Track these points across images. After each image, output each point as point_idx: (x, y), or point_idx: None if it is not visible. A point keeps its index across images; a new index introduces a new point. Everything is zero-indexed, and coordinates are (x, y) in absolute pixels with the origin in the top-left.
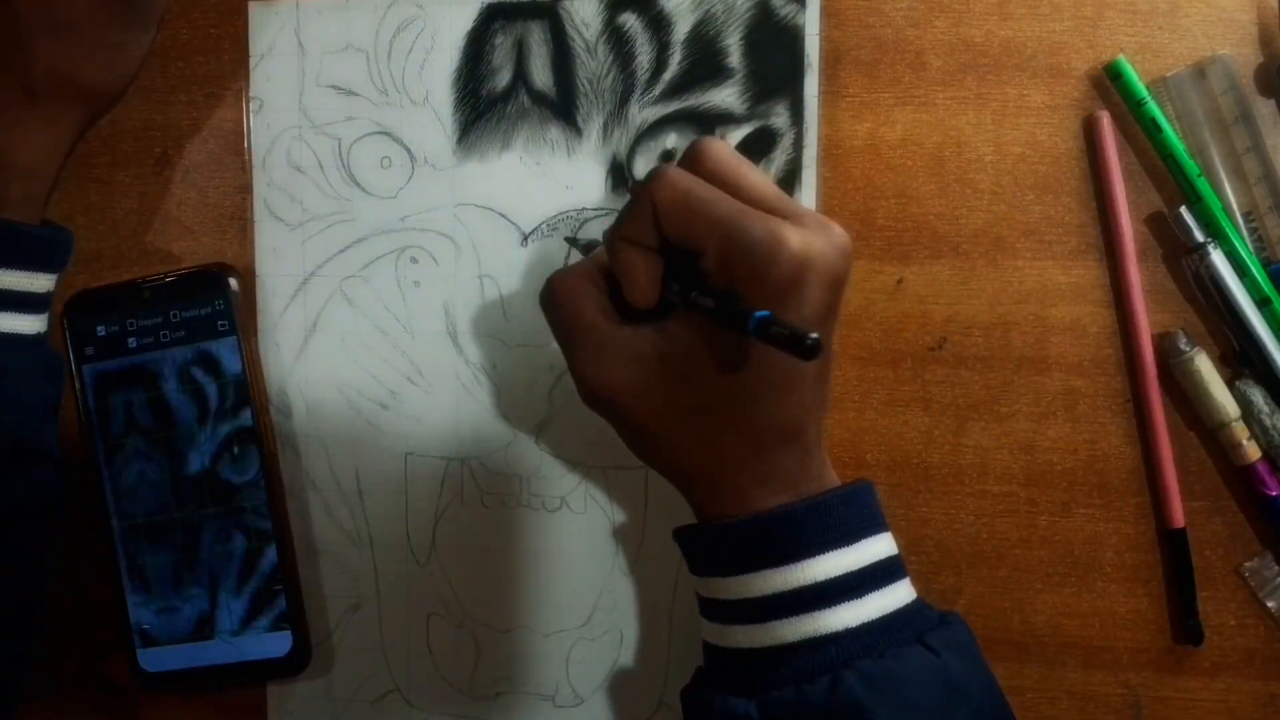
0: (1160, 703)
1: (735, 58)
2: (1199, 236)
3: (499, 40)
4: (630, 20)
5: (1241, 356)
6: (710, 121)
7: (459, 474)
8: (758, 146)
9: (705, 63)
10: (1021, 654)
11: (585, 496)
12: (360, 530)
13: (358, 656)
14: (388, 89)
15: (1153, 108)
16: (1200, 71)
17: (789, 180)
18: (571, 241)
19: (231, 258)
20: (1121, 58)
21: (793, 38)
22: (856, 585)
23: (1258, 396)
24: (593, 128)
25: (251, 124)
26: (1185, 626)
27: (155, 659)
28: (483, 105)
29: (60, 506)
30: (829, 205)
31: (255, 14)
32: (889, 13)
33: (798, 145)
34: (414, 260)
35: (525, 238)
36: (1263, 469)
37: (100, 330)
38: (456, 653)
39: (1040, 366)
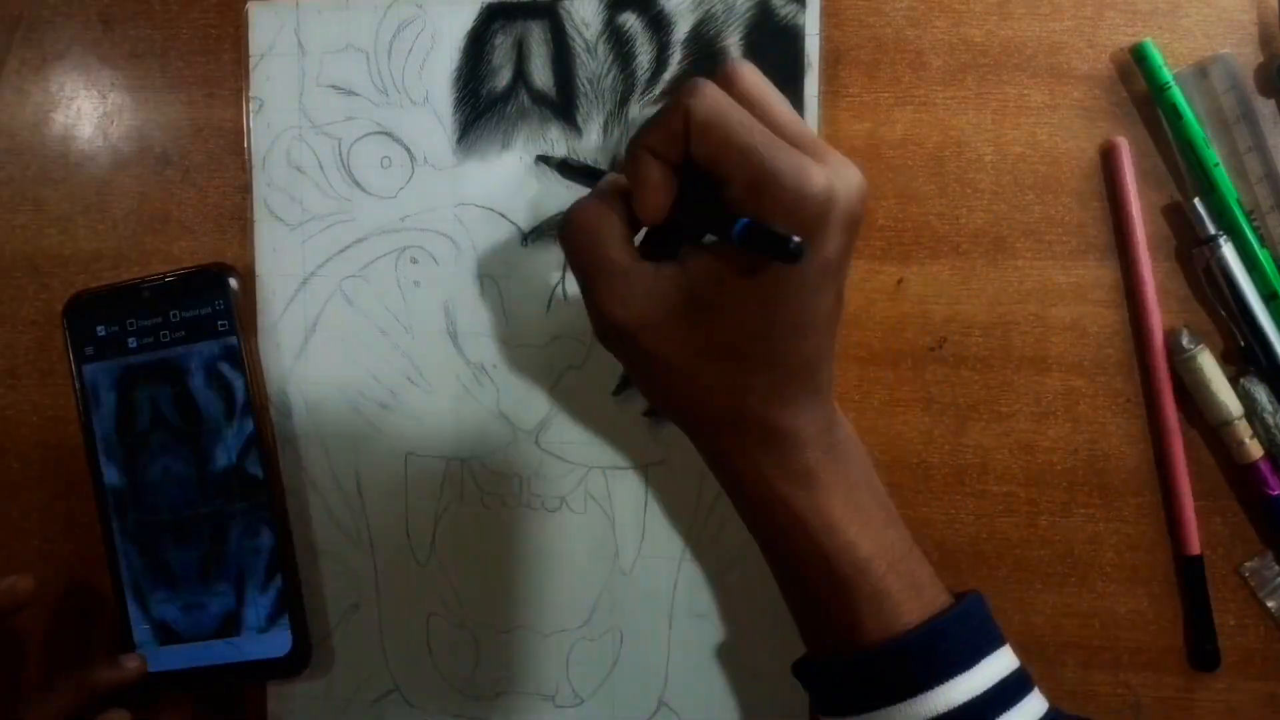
0: (1160, 703)
1: (736, 58)
2: (1211, 228)
3: (499, 40)
4: (630, 20)
5: (1247, 353)
6: None
7: (459, 474)
8: None
9: (705, 63)
10: (1021, 654)
11: (585, 496)
12: (360, 530)
13: (358, 656)
14: (388, 89)
15: (1176, 93)
16: (1202, 71)
17: None
18: (545, 160)
19: (231, 258)
20: (1149, 40)
21: (793, 38)
22: (984, 709)
23: (1261, 395)
24: (593, 127)
25: (251, 124)
26: (1203, 652)
27: (155, 659)
28: (483, 105)
29: None
30: None
31: (255, 14)
32: (889, 13)
33: None
34: (414, 260)
35: (525, 238)
36: (1265, 467)
37: (100, 330)
38: (456, 653)
39: (1040, 366)
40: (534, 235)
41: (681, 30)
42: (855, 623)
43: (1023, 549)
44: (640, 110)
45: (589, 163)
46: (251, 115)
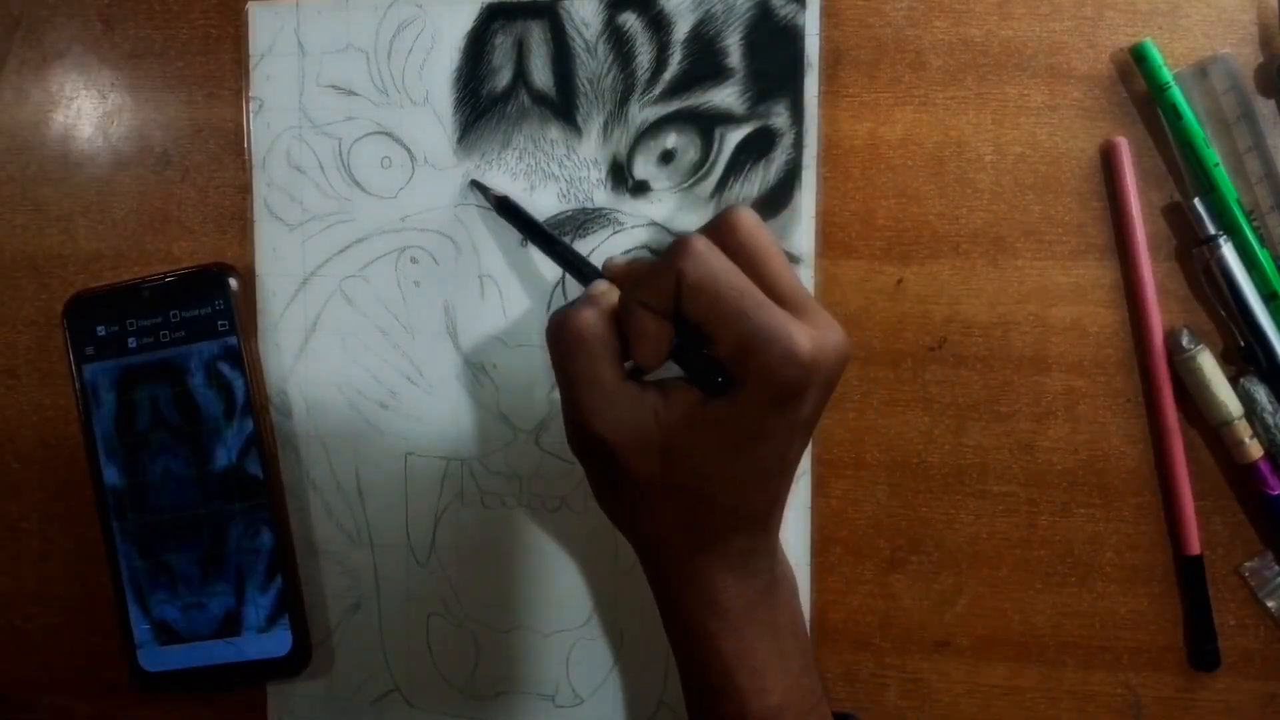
0: (1160, 703)
1: (735, 58)
2: (1211, 228)
3: (499, 40)
4: (630, 20)
5: (1246, 353)
6: (710, 121)
7: (459, 474)
8: (758, 146)
9: (705, 62)
10: (1021, 654)
11: (585, 496)
12: (360, 530)
13: (358, 656)
14: (388, 89)
15: (1176, 93)
16: (1202, 71)
17: (789, 180)
18: (479, 188)
19: (231, 258)
20: (1149, 40)
21: (793, 38)
22: None
23: (1261, 395)
24: (593, 127)
25: (251, 124)
26: (1203, 652)
27: (155, 659)
28: (483, 105)
29: None
30: (829, 205)
31: (255, 14)
32: (889, 13)
33: (798, 145)
34: (414, 260)
35: (525, 238)
36: (1264, 467)
37: (100, 330)
38: (456, 653)
39: (1040, 366)
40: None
41: (681, 30)
42: (706, 572)
43: (1023, 549)
44: (640, 110)
45: (522, 208)
46: (251, 115)
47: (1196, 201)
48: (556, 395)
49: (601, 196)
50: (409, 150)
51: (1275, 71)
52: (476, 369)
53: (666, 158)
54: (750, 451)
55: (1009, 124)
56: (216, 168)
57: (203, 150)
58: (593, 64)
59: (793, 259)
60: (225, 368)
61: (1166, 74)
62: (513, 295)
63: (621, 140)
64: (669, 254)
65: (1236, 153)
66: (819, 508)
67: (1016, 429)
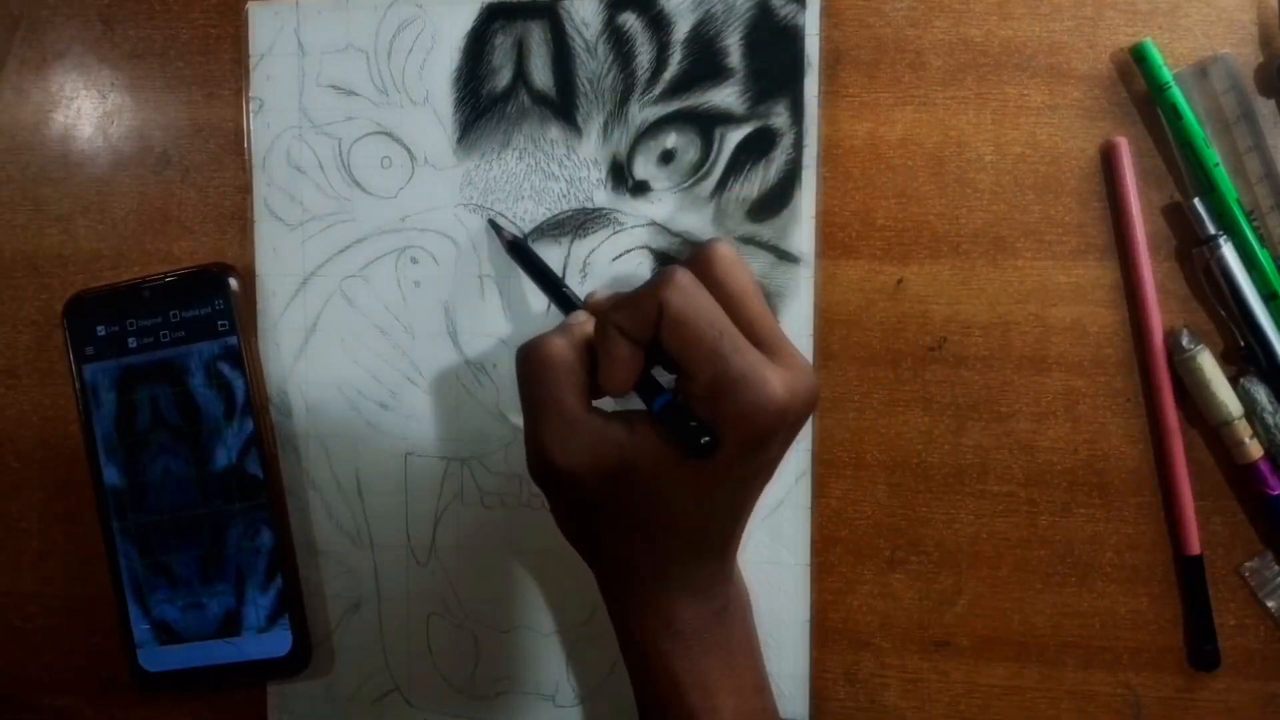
0: (1160, 703)
1: (735, 58)
2: (1211, 228)
3: (499, 40)
4: (630, 20)
5: (1246, 353)
6: (710, 121)
7: (459, 474)
8: (758, 146)
9: (705, 62)
10: (1021, 654)
11: None
12: (360, 530)
13: (358, 656)
14: (388, 89)
15: (1176, 93)
16: (1202, 70)
17: (789, 180)
18: (495, 228)
19: (231, 258)
20: (1149, 40)
21: (793, 38)
22: None
23: (1261, 395)
24: (593, 127)
25: (251, 124)
26: (1203, 652)
27: (155, 659)
28: (483, 105)
29: None
30: (829, 205)
31: (255, 14)
32: (889, 13)
33: (798, 145)
34: (414, 260)
35: (525, 238)
36: (1265, 467)
37: (100, 330)
38: (456, 653)
39: (1040, 366)
40: (534, 235)
41: (681, 30)
42: (665, 599)
43: (1023, 549)
44: (640, 110)
45: (541, 259)
46: (251, 115)
47: (1196, 201)
48: None
49: (601, 196)
50: (409, 150)
51: (1275, 71)
52: (476, 369)
53: (666, 158)
54: (711, 490)
55: (1009, 124)
56: (216, 168)
57: (203, 150)
58: (593, 64)
59: (792, 259)
60: (225, 368)
61: (1166, 74)
62: (513, 295)
63: (621, 140)
64: (653, 283)
65: (1236, 153)
66: (819, 508)
67: (1016, 429)
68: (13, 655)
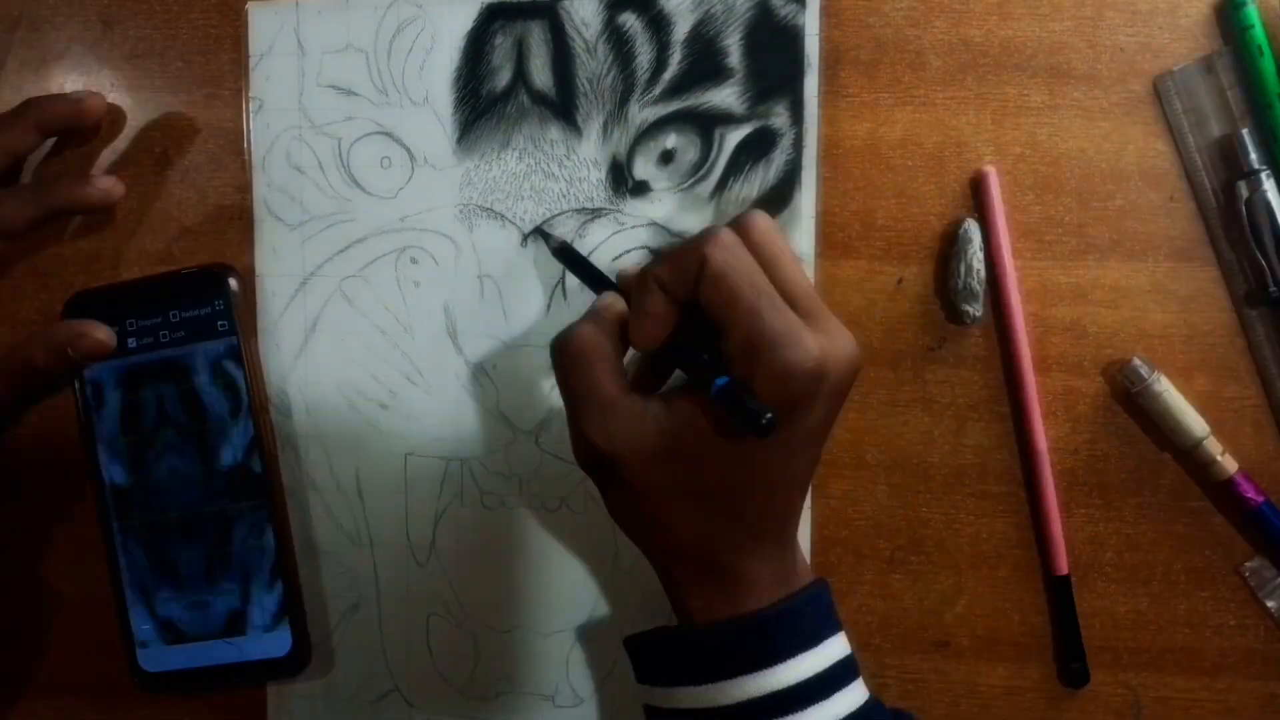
0: (1160, 703)
1: (735, 58)
2: (1255, 161)
3: (499, 40)
4: (630, 20)
5: (1274, 295)
6: (710, 121)
7: (459, 474)
8: (758, 147)
9: (705, 63)
10: (1021, 654)
11: (585, 496)
12: (360, 530)
13: (358, 656)
14: (388, 89)
15: (1251, 10)
16: (1208, 65)
17: (789, 180)
18: (544, 235)
19: (231, 258)
20: None
21: (793, 38)
22: (823, 686)
23: (975, 234)
24: (593, 127)
25: (251, 124)
26: (1070, 670)
27: (155, 659)
28: (483, 105)
29: None
30: (829, 205)
31: (255, 14)
32: (889, 13)
33: (798, 145)
34: (414, 260)
35: (525, 238)
36: (1242, 480)
37: None
38: (456, 653)
39: (1040, 366)
40: (534, 235)
41: (681, 30)
42: (739, 579)
43: (1023, 549)
44: (640, 110)
45: (589, 259)
46: (251, 115)
47: (1245, 133)
48: (556, 395)
49: (601, 196)
50: (409, 150)
51: None
52: (476, 369)
53: (666, 158)
54: (758, 460)
55: (1009, 124)
56: (216, 168)
57: (203, 150)
58: (593, 64)
59: None
60: (225, 368)
61: (1254, 14)
62: (513, 295)
63: (621, 140)
64: (696, 239)
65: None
66: (819, 508)
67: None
68: (13, 655)
